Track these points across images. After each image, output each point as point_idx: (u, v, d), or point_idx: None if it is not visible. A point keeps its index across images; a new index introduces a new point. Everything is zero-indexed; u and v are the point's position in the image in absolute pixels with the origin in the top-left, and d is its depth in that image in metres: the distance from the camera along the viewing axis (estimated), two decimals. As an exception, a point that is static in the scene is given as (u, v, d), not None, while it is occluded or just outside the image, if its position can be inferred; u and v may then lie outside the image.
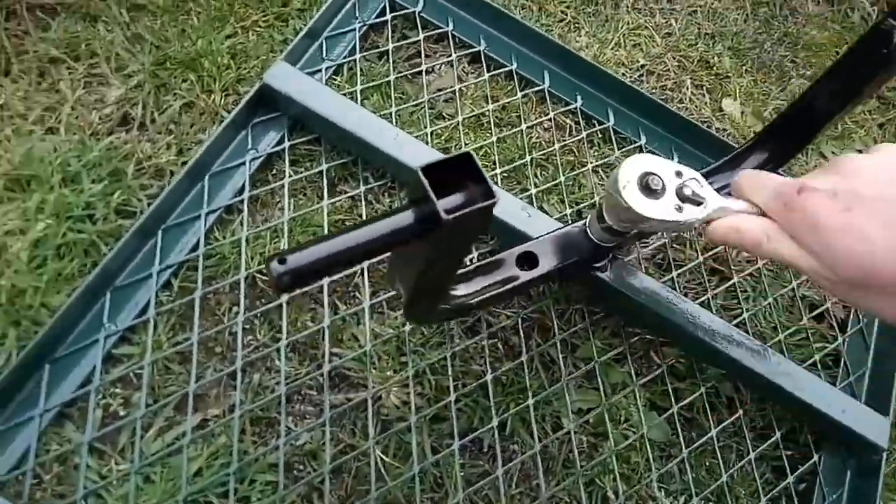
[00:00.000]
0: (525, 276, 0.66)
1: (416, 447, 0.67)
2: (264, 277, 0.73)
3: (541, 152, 0.89)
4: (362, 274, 0.74)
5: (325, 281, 0.72)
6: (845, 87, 0.64)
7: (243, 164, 0.77)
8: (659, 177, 0.54)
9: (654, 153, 0.93)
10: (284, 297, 0.70)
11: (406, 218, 0.35)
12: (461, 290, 0.62)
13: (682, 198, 0.52)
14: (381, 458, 0.67)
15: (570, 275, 0.77)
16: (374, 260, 0.42)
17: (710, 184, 0.71)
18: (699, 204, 0.52)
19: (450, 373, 0.70)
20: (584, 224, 0.67)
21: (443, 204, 0.34)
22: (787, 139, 0.72)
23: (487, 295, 0.63)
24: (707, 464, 0.76)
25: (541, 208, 0.85)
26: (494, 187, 0.37)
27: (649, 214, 0.52)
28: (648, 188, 0.54)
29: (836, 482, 0.78)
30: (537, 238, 0.69)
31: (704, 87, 1.05)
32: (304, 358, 0.71)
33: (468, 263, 0.64)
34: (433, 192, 0.34)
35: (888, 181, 0.43)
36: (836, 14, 1.20)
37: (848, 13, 1.21)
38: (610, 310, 0.80)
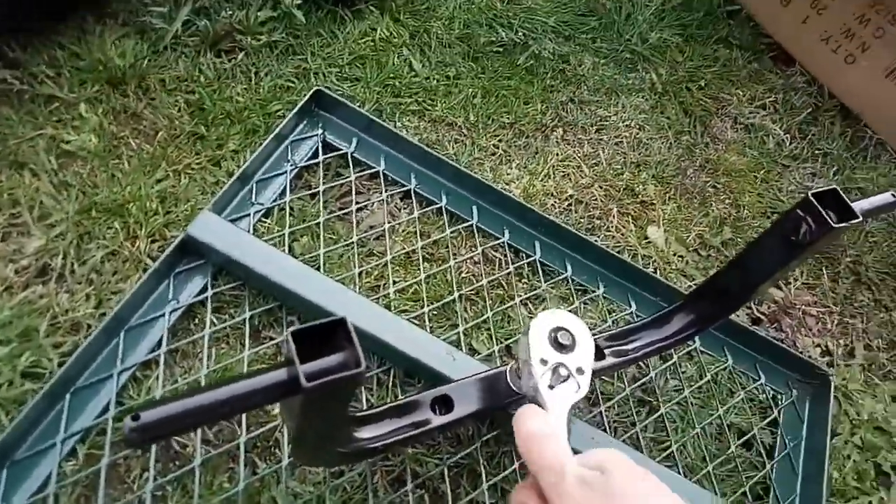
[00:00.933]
0: (438, 420, 0.65)
1: None
2: (179, 438, 0.71)
3: (470, 287, 0.90)
4: (281, 429, 0.73)
5: (242, 438, 0.70)
6: (761, 267, 0.67)
7: (162, 315, 0.76)
8: (573, 340, 0.56)
9: (580, 286, 0.95)
10: (198, 460, 0.68)
11: (271, 378, 0.36)
12: (367, 432, 0.61)
13: (555, 370, 0.54)
14: None
15: (488, 418, 0.77)
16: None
17: (634, 341, 0.74)
18: (551, 387, 0.54)
19: (372, 533, 0.68)
20: (506, 369, 0.68)
21: (308, 367, 0.35)
22: (711, 306, 0.75)
23: (395, 439, 0.62)
24: None
25: (469, 345, 0.86)
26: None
27: (531, 337, 0.54)
28: (556, 339, 0.56)
29: None
30: (456, 381, 0.69)
31: (630, 216, 1.09)
32: (220, 522, 0.68)
33: (374, 406, 0.63)
34: (305, 354, 0.36)
35: None
36: (753, 140, 1.28)
37: (764, 139, 1.28)
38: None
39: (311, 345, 0.37)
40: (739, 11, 1.42)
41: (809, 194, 0.60)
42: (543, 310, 0.88)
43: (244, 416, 0.72)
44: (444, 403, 0.66)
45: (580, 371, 0.55)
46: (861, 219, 0.60)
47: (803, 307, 1.08)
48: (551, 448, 0.43)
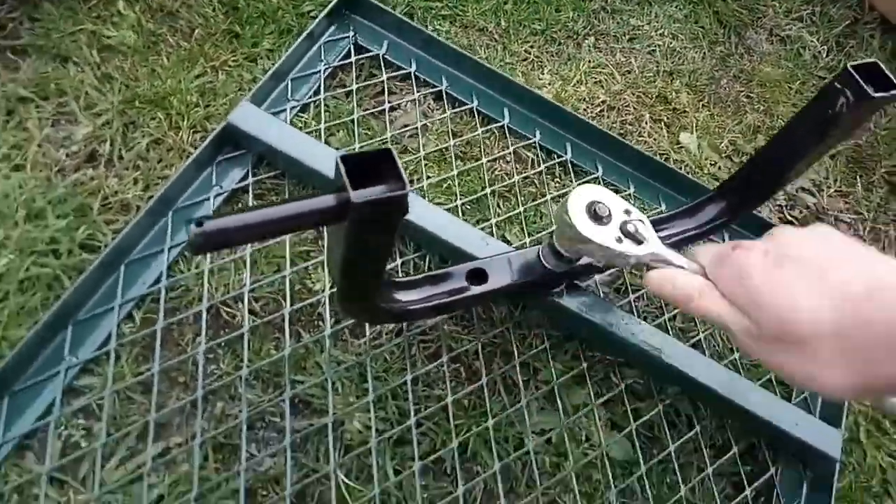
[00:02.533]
0: (474, 289, 0.68)
1: (377, 469, 0.67)
2: (228, 308, 0.75)
3: (502, 184, 0.92)
4: (324, 304, 0.76)
5: (287, 310, 0.73)
6: (797, 146, 0.67)
7: (207, 199, 0.79)
8: (607, 206, 0.58)
9: (611, 185, 0.96)
10: (246, 327, 0.72)
11: (323, 201, 0.38)
12: (407, 295, 0.64)
13: (625, 232, 0.56)
14: (344, 482, 0.68)
15: (522, 296, 0.79)
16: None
17: (666, 229, 0.75)
18: (640, 243, 0.55)
19: (410, 397, 0.72)
20: (539, 248, 0.70)
21: (358, 193, 0.37)
22: (744, 194, 0.75)
23: (433, 303, 0.65)
24: (667, 480, 0.76)
25: (503, 237, 0.88)
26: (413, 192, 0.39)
27: (589, 236, 0.55)
28: (595, 214, 0.57)
29: (793, 494, 0.78)
30: (489, 257, 0.71)
31: (663, 122, 1.09)
32: (268, 385, 0.72)
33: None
34: (351, 181, 0.37)
35: (818, 250, 0.46)
36: (788, 52, 1.26)
37: (800, 52, 1.26)
38: (569, 334, 0.81)
39: (358, 177, 0.38)
40: (778, -79, 1.38)
41: (849, 65, 0.59)
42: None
43: (288, 289, 0.75)
44: (478, 276, 0.69)
45: (628, 212, 0.57)
46: None
47: (836, 213, 1.08)
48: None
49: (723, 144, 1.08)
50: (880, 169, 1.14)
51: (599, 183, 0.95)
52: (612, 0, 1.20)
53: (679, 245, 0.79)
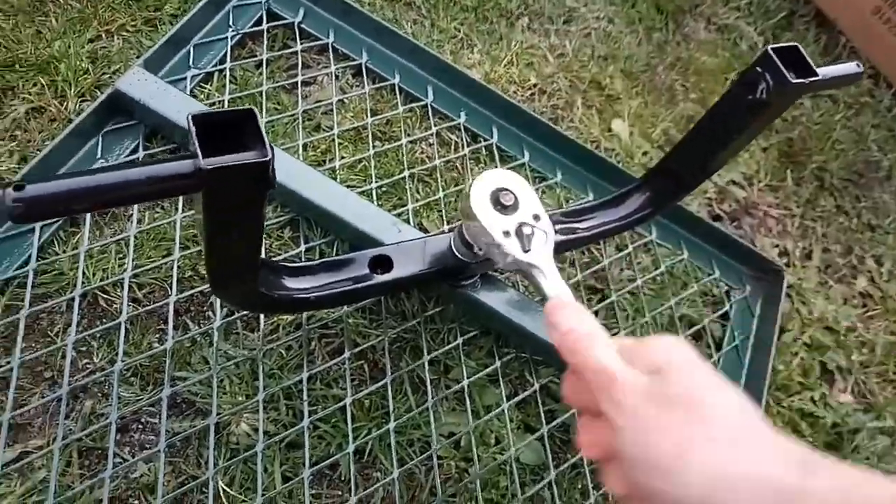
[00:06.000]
0: (377, 278, 0.63)
1: (263, 476, 0.62)
2: (106, 296, 0.67)
3: (422, 168, 0.87)
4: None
5: (172, 298, 0.67)
6: (720, 133, 0.63)
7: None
8: (515, 198, 0.53)
9: (537, 172, 0.92)
10: (124, 316, 0.65)
11: (173, 168, 0.32)
12: (299, 283, 0.59)
13: (518, 232, 0.51)
14: (224, 489, 0.62)
15: (433, 287, 0.74)
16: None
17: (589, 220, 0.70)
18: (525, 251, 0.51)
19: (305, 397, 0.66)
20: (450, 236, 0.65)
21: (209, 160, 0.32)
22: (668, 184, 0.71)
23: (329, 292, 0.60)
24: (579, 486, 0.73)
25: (420, 224, 0.83)
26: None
27: (478, 214, 0.51)
28: (498, 200, 0.53)
29: None
30: (395, 243, 0.66)
31: (595, 108, 1.05)
32: (147, 382, 0.65)
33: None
34: (208, 145, 0.32)
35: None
36: (725, 41, 1.23)
37: (737, 41, 1.24)
38: (485, 330, 0.77)
39: (218, 141, 0.33)
40: None
41: (769, 49, 0.56)
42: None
43: (175, 275, 0.68)
44: (383, 264, 0.64)
45: (537, 217, 0.52)
46: (819, 78, 0.56)
47: (765, 208, 1.06)
48: (597, 349, 0.37)
49: (655, 133, 1.05)
50: (811, 164, 1.13)
51: (525, 169, 0.91)
52: (549, -21, 1.16)
53: (602, 237, 0.76)
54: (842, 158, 1.16)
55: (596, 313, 0.85)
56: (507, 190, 0.54)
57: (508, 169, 0.88)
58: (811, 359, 0.94)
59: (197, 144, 0.32)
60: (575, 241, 0.71)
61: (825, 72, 0.58)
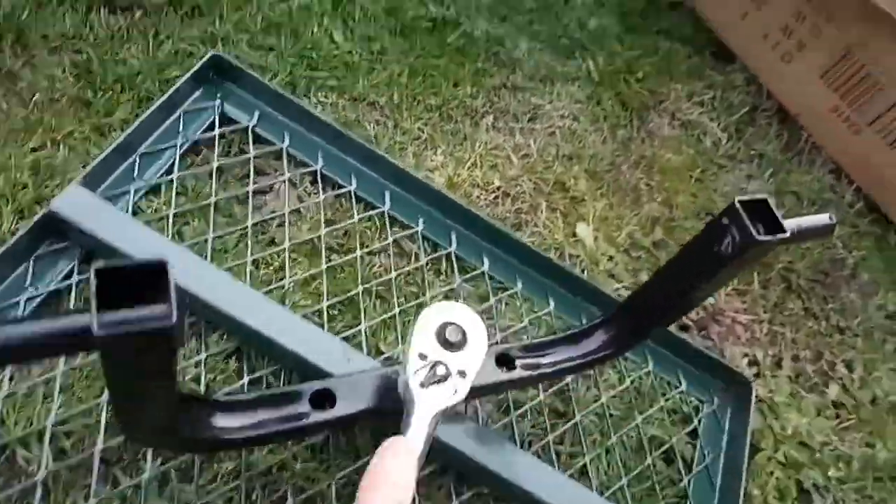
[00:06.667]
0: (318, 416, 0.58)
1: None
2: (24, 452, 0.61)
3: (378, 281, 0.83)
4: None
5: (98, 447, 0.61)
6: (685, 282, 0.61)
7: (17, 303, 0.66)
8: (463, 338, 0.50)
9: (498, 282, 0.89)
10: (41, 474, 0.59)
11: (64, 323, 0.30)
12: (229, 421, 0.54)
13: (432, 367, 0.49)
14: None
15: (381, 421, 0.70)
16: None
17: (549, 356, 0.68)
18: (421, 385, 0.48)
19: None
20: (399, 367, 0.61)
21: (108, 315, 0.29)
22: (632, 325, 0.69)
23: (262, 431, 0.55)
24: None
25: (376, 346, 0.79)
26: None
27: (414, 331, 0.49)
28: (444, 331, 0.50)
29: None
30: (341, 375, 0.62)
31: (559, 211, 1.03)
32: (69, 544, 0.59)
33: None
34: (113, 303, 0.29)
35: None
36: (689, 138, 1.24)
37: (700, 137, 1.25)
38: (442, 466, 0.72)
39: (126, 294, 0.30)
40: (681, 3, 1.38)
41: (736, 200, 0.54)
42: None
43: (103, 421, 0.63)
44: (325, 398, 0.60)
45: (462, 374, 0.49)
46: (788, 235, 0.54)
47: (733, 314, 1.04)
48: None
49: (620, 237, 1.03)
50: (777, 264, 1.12)
51: (485, 278, 0.88)
52: (514, 76, 1.15)
53: (565, 374, 0.72)
54: (808, 258, 1.15)
55: (561, 438, 0.81)
56: (460, 328, 0.51)
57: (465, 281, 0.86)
58: (786, 478, 0.90)
59: (94, 302, 0.29)
60: (538, 377, 0.68)
61: (796, 224, 0.56)
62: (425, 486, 0.71)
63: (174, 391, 0.41)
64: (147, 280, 0.31)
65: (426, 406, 0.48)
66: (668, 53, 1.31)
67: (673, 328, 0.94)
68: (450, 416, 0.68)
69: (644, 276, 1.00)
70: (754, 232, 0.52)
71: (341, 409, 0.60)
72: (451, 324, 0.51)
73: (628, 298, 0.68)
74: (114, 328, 0.29)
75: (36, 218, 0.68)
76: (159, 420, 0.46)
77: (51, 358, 0.62)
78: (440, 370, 0.49)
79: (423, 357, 0.49)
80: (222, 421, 0.53)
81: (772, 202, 0.54)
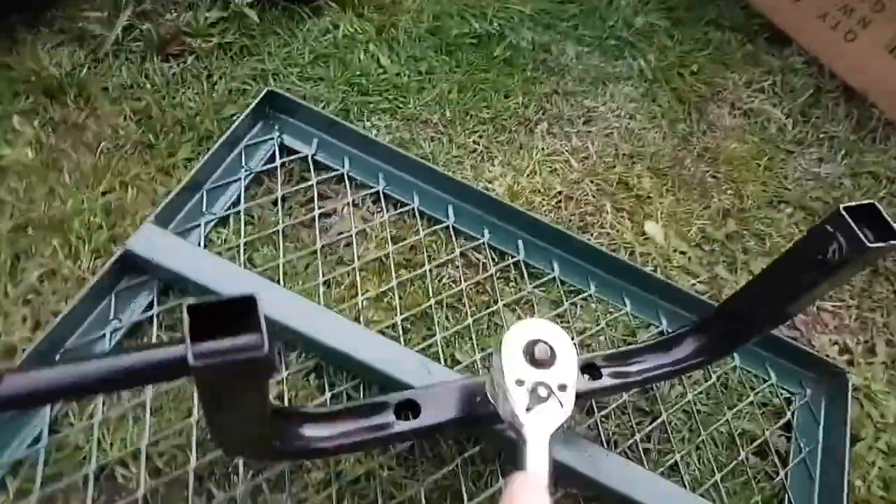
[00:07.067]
0: (401, 426, 0.58)
1: None
2: (123, 471, 0.63)
3: (449, 293, 0.83)
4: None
5: (192, 465, 0.62)
6: (786, 289, 0.58)
7: (103, 336, 0.69)
8: (552, 354, 0.49)
9: (570, 286, 0.87)
10: (141, 490, 0.60)
11: (161, 354, 0.32)
12: (317, 430, 0.55)
13: (532, 390, 0.47)
14: None
15: (464, 431, 0.69)
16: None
17: (637, 363, 0.66)
18: (527, 409, 0.46)
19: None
20: (485, 378, 0.60)
21: (202, 346, 0.30)
22: (728, 332, 0.66)
23: (350, 440, 0.55)
24: None
25: (452, 356, 0.78)
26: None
27: (503, 354, 0.47)
28: (532, 350, 0.48)
29: None
30: (423, 386, 0.61)
31: (625, 211, 1.01)
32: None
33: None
34: (206, 334, 0.31)
35: None
36: (753, 126, 1.20)
37: (765, 125, 1.20)
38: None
39: (217, 326, 0.31)
40: (729, -8, 1.35)
41: (841, 208, 0.50)
42: (530, 316, 0.81)
43: (194, 440, 0.64)
44: (409, 408, 0.59)
45: (562, 388, 0.47)
46: None
47: (818, 302, 0.99)
48: None
49: (691, 232, 1.00)
50: (861, 247, 1.06)
51: (556, 283, 0.86)
52: (564, 82, 1.14)
53: (653, 381, 0.70)
54: (894, 237, 1.09)
55: (649, 437, 0.78)
56: (546, 344, 0.50)
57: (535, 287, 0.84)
58: (890, 467, 0.84)
59: (188, 334, 0.30)
60: (625, 384, 0.66)
61: None
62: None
63: (266, 409, 0.42)
64: (236, 312, 0.32)
65: (539, 431, 0.46)
66: (721, 43, 1.27)
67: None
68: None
69: (720, 270, 0.97)
70: (864, 239, 0.49)
71: (425, 418, 0.59)
72: (538, 341, 0.50)
73: (721, 305, 0.65)
74: (209, 358, 0.30)
75: (114, 257, 0.71)
76: (252, 434, 0.47)
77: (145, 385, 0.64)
78: (542, 391, 0.47)
79: (520, 383, 0.48)
80: (311, 431, 0.54)
81: (880, 208, 0.51)
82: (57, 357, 0.66)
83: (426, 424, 0.59)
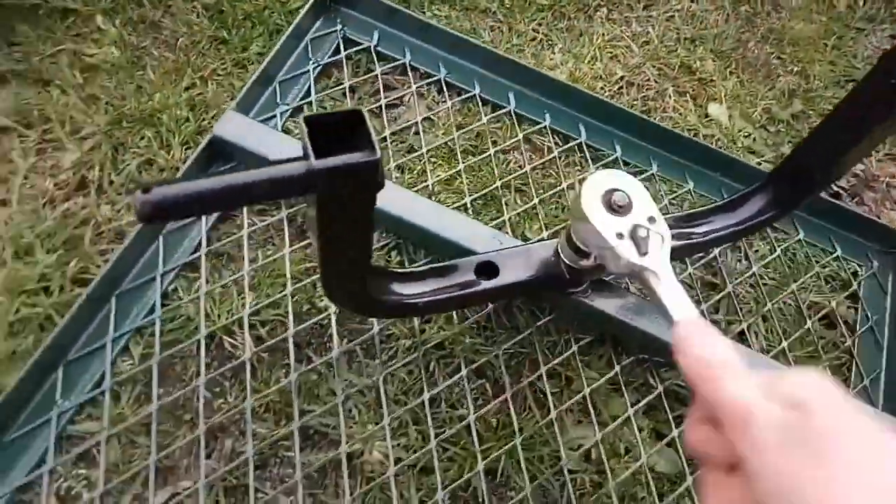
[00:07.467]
0: (483, 284, 0.62)
1: (399, 502, 0.62)
2: (229, 339, 0.70)
3: (515, 176, 0.85)
4: (332, 322, 0.71)
5: (290, 332, 0.68)
6: (855, 127, 0.57)
7: (198, 219, 0.74)
8: (629, 198, 0.51)
9: (632, 166, 0.89)
10: (247, 354, 0.67)
11: (285, 169, 0.34)
12: (408, 288, 0.59)
13: (633, 235, 0.49)
14: (363, 518, 0.63)
15: (539, 293, 0.73)
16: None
17: (705, 224, 0.67)
18: (643, 254, 0.48)
19: (429, 420, 0.66)
20: (556, 241, 0.64)
21: (322, 160, 0.33)
22: (794, 185, 0.66)
23: (438, 297, 0.60)
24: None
25: (522, 235, 0.81)
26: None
27: (591, 217, 0.49)
28: (610, 202, 0.51)
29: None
30: (500, 249, 0.65)
31: (688, 94, 1.01)
32: (280, 417, 0.67)
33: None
34: (319, 148, 0.33)
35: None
36: (820, 5, 1.16)
37: (833, 2, 1.17)
38: (600, 336, 0.75)
39: (329, 144, 0.34)
40: None
41: None
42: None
43: (291, 309, 0.70)
44: (488, 270, 0.63)
45: (652, 220, 0.50)
46: None
47: (887, 179, 0.99)
48: (731, 383, 0.33)
49: (756, 113, 1.00)
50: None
51: (618, 164, 0.88)
52: (624, -34, 1.12)
53: (719, 243, 0.72)
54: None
55: (716, 308, 0.81)
56: (619, 191, 0.52)
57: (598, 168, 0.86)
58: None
59: (310, 146, 0.33)
60: (692, 246, 0.68)
61: None
62: (586, 354, 0.74)
63: (371, 234, 0.45)
64: (345, 132, 0.34)
65: (663, 266, 0.47)
66: (787, -82, 1.22)
67: (822, 196, 0.91)
68: (607, 288, 0.70)
69: (786, 149, 0.97)
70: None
71: (504, 278, 0.63)
72: (612, 191, 0.52)
73: (789, 156, 0.65)
74: (329, 165, 0.33)
75: (203, 143, 0.75)
76: (355, 283, 0.51)
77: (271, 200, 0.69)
78: (641, 232, 0.49)
79: (620, 236, 0.49)
80: (401, 288, 0.58)
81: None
82: (160, 238, 0.72)
83: (505, 283, 0.63)
